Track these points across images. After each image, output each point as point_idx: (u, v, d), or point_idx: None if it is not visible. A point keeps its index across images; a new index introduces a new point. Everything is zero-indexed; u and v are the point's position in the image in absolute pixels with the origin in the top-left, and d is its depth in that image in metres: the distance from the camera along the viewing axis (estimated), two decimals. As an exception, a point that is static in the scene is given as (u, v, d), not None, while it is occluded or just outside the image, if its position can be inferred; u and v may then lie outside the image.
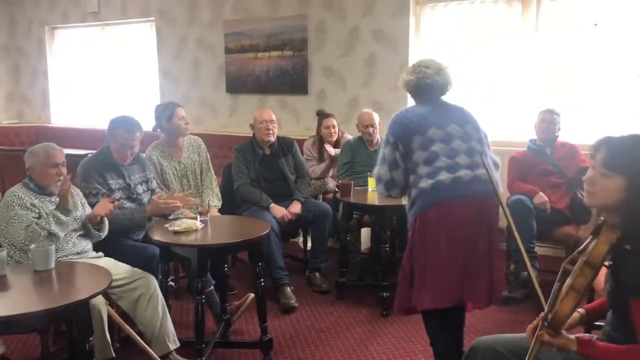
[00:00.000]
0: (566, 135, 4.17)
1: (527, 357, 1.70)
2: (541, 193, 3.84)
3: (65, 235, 2.86)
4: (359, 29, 5.45)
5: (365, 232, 4.52)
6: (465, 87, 5.16)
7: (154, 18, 6.69)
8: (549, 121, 4.01)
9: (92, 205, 3.10)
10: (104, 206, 3.00)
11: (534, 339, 1.71)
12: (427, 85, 2.62)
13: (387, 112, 5.10)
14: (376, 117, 4.44)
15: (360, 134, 4.50)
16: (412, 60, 5.21)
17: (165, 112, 3.87)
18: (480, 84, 5.07)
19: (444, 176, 2.43)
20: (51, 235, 2.76)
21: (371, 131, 4.39)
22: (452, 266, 2.46)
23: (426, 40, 5.27)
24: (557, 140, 4.04)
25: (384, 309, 3.71)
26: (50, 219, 2.79)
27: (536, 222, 3.77)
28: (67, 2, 7.36)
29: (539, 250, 4.03)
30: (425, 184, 2.46)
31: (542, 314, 1.73)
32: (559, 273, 1.77)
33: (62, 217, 2.83)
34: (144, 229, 3.31)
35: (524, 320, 3.47)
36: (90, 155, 3.43)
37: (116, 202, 3.11)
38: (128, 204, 3.34)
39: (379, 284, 3.83)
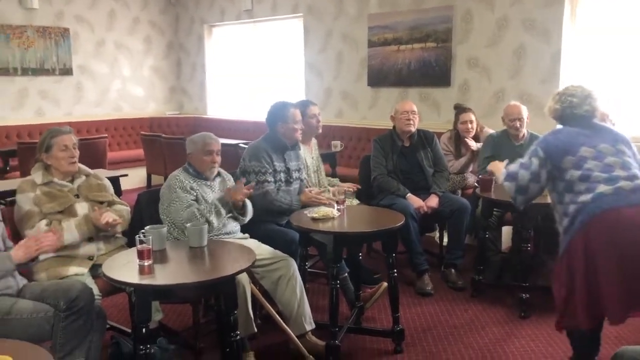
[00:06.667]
0: None
1: None
2: None
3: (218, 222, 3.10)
4: (507, 18, 5.22)
5: (506, 231, 4.34)
6: (630, 81, 4.75)
7: (302, 14, 6.96)
8: None
9: (258, 183, 3.35)
10: (239, 190, 3.12)
11: None
12: (572, 114, 2.64)
13: (537, 105, 4.86)
14: (524, 111, 4.21)
15: (505, 128, 4.32)
16: (565, 51, 4.91)
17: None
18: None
19: (603, 188, 2.40)
20: (207, 222, 2.98)
21: (518, 125, 4.16)
22: (621, 278, 2.32)
23: (582, 29, 4.91)
24: None
25: (523, 311, 3.56)
26: (212, 209, 3.04)
27: None
28: (224, 1, 7.91)
29: None
30: (585, 197, 2.42)
31: None
32: None
33: (222, 209, 3.08)
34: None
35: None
36: (257, 140, 3.68)
37: (251, 190, 3.20)
38: (284, 187, 3.54)
39: (518, 285, 3.67)
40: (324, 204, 3.42)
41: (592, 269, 2.36)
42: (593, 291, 2.36)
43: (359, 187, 4.01)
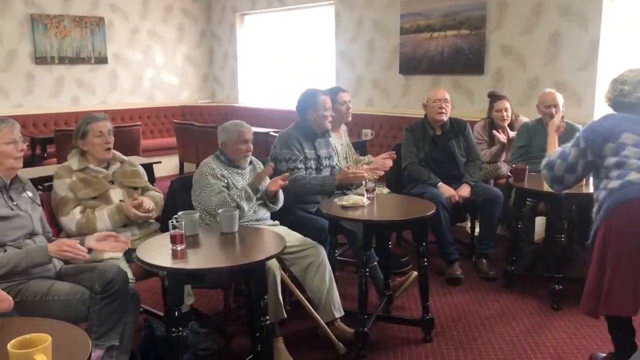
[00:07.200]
0: None
1: None
2: None
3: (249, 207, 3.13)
4: (543, 4, 5.09)
5: (539, 221, 4.27)
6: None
7: (333, 1, 6.92)
8: None
9: (289, 170, 3.37)
10: (275, 182, 3.17)
11: None
12: (622, 103, 2.57)
13: (572, 93, 4.74)
14: (560, 98, 4.11)
15: (540, 116, 4.23)
16: (603, 39, 4.77)
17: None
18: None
19: (634, 176, 2.36)
20: (237, 207, 3.02)
21: (553, 112, 4.04)
22: (635, 271, 2.30)
23: (623, 14, 4.75)
24: None
25: (555, 302, 3.51)
26: (242, 194, 3.07)
27: None
28: (256, -11, 7.93)
29: None
30: (614, 184, 2.41)
31: None
32: None
33: (252, 194, 3.11)
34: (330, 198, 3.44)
35: None
36: (287, 128, 3.69)
37: (286, 180, 3.23)
38: (315, 175, 3.55)
39: (551, 276, 3.61)
40: (364, 178, 3.39)
41: (605, 258, 2.36)
42: (602, 281, 2.36)
43: (395, 155, 3.88)
